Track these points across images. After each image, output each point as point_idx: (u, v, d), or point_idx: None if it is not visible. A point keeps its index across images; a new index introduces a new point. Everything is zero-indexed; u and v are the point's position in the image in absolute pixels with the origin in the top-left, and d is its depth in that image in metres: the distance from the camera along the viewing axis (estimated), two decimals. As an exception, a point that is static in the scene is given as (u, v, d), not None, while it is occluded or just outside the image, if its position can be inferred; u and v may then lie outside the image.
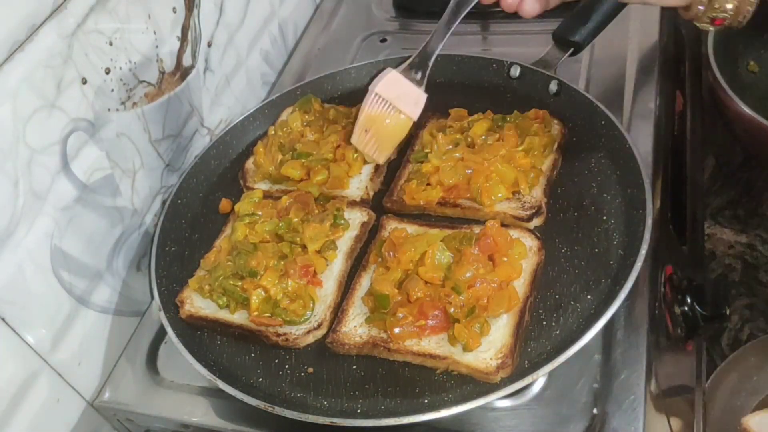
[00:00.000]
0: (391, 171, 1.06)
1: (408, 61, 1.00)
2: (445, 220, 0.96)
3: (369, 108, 0.98)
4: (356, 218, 0.98)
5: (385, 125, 0.99)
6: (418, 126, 1.08)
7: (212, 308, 0.91)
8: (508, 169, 0.95)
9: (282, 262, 0.90)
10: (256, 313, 0.88)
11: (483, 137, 1.00)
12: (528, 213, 0.93)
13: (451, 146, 1.00)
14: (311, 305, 0.89)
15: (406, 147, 1.07)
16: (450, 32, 0.97)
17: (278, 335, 0.87)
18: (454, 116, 1.06)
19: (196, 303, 0.92)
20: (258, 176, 1.07)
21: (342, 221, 0.96)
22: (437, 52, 0.99)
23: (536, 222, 0.93)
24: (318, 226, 0.94)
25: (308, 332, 0.87)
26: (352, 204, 1.00)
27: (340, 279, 0.92)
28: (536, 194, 0.95)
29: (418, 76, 0.99)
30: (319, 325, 0.88)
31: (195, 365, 0.84)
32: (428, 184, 0.98)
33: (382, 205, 1.01)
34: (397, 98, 0.97)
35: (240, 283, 0.89)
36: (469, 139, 1.01)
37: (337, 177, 1.02)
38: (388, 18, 1.41)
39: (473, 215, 0.96)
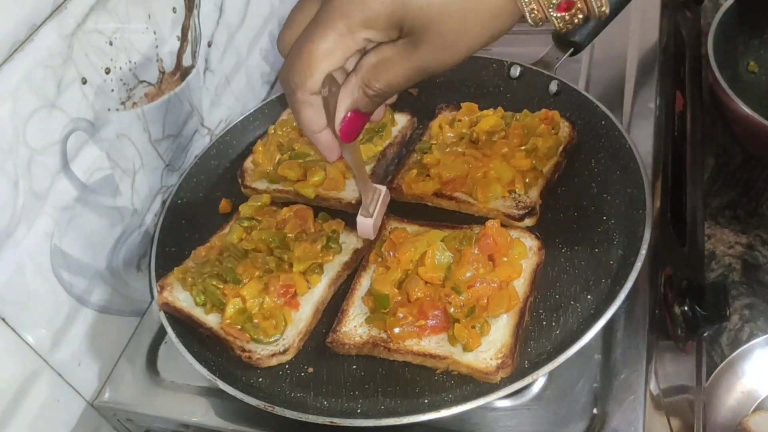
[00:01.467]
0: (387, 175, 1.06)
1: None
2: (445, 219, 0.96)
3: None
4: (350, 243, 0.95)
5: None
6: (429, 117, 1.09)
7: (189, 302, 0.90)
8: (506, 167, 0.95)
9: (266, 276, 0.88)
10: (228, 321, 0.86)
11: (489, 133, 1.00)
12: (521, 213, 0.94)
13: (455, 139, 1.01)
14: (282, 328, 0.86)
15: (415, 137, 1.09)
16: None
17: (243, 350, 0.85)
18: (464, 110, 1.07)
19: (175, 293, 0.91)
20: (256, 175, 1.07)
21: (334, 245, 0.93)
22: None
23: (528, 222, 0.94)
24: (309, 246, 0.91)
25: (272, 355, 0.84)
26: (350, 230, 0.95)
27: (317, 306, 0.89)
28: (532, 195, 0.95)
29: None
30: (285, 351, 0.85)
31: (195, 365, 0.84)
32: (428, 176, 0.99)
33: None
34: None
35: (222, 287, 0.88)
36: (475, 135, 1.01)
37: (334, 179, 1.02)
38: (388, 18, 1.41)
39: (467, 210, 0.96)
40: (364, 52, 0.69)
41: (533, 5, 0.63)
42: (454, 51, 0.66)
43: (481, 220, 0.91)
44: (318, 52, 0.66)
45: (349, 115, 0.71)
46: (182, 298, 0.91)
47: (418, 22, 0.63)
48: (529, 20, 0.65)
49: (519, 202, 0.95)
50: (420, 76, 0.68)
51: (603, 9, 0.64)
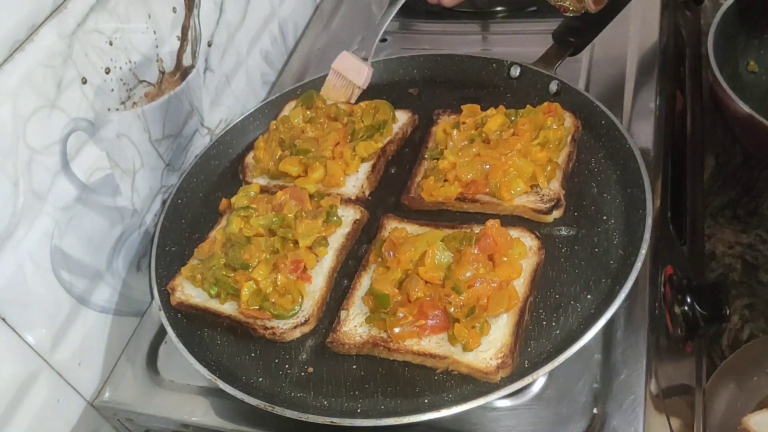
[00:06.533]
0: (387, 172, 1.07)
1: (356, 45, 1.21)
2: (446, 219, 0.96)
3: (330, 78, 1.18)
4: (349, 215, 0.99)
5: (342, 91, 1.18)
6: (429, 123, 1.09)
7: (203, 297, 0.92)
8: (525, 163, 0.96)
9: (274, 257, 0.91)
10: (245, 305, 0.88)
11: (498, 132, 1.01)
12: (548, 206, 0.94)
13: (466, 142, 1.01)
14: (300, 300, 0.89)
15: (419, 144, 1.08)
16: (390, 16, 1.15)
17: (266, 328, 0.88)
18: (467, 112, 1.06)
19: (187, 291, 0.93)
20: (257, 171, 1.07)
21: (335, 218, 0.96)
22: (379, 35, 1.16)
23: (556, 214, 0.94)
24: (311, 222, 0.94)
25: (295, 327, 0.88)
26: (347, 201, 1.00)
27: (329, 275, 0.93)
28: (554, 187, 0.95)
29: (362, 54, 1.17)
30: (306, 321, 0.88)
31: (195, 365, 0.84)
32: (446, 180, 0.98)
33: (401, 203, 1.00)
34: (345, 70, 1.18)
35: (232, 275, 0.90)
36: (484, 135, 1.01)
37: (334, 175, 1.02)
38: (388, 18, 1.41)
39: (492, 210, 0.96)
40: None
41: None
42: None
43: (482, 220, 0.91)
44: None
45: None
46: (195, 295, 0.93)
47: None
48: None
49: (543, 195, 0.95)
50: None
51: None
